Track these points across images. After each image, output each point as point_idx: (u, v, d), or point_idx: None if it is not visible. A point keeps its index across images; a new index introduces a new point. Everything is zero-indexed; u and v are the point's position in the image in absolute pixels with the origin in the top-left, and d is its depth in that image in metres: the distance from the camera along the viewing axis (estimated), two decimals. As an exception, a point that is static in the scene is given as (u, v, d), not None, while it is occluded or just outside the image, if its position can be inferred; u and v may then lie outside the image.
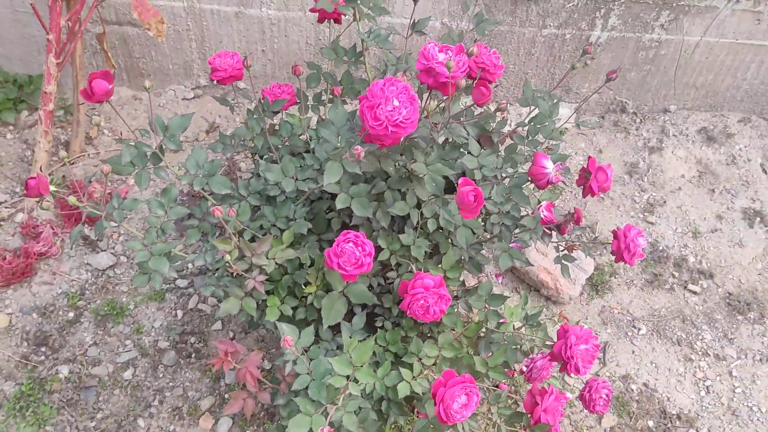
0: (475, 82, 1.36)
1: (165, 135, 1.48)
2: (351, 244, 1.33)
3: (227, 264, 1.41)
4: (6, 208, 2.36)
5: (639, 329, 2.26)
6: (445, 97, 1.33)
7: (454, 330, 1.53)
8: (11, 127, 2.63)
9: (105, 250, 2.23)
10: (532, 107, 1.60)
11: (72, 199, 1.27)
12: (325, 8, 1.66)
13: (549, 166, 1.41)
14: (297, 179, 1.52)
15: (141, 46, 2.67)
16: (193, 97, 2.83)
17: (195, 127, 2.73)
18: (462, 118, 1.42)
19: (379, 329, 1.55)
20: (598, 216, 2.57)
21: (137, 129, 1.44)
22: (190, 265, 2.21)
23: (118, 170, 1.47)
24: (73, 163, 2.52)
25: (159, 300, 2.11)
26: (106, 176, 1.29)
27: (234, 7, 2.54)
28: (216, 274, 1.52)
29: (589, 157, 1.54)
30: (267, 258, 1.41)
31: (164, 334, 2.03)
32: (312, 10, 1.82)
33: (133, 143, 1.43)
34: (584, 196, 1.56)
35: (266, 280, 1.46)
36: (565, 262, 1.64)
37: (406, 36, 1.63)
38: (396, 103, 1.21)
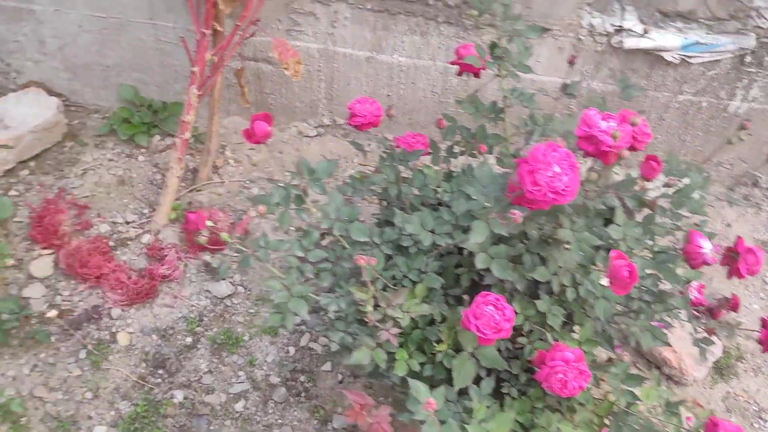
0: (646, 157, 1.33)
1: (310, 178, 1.51)
2: (491, 307, 1.30)
3: (363, 313, 1.40)
4: (134, 228, 2.46)
5: (766, 421, 2.10)
6: (604, 166, 1.29)
7: (583, 405, 1.46)
8: (143, 150, 2.76)
9: (224, 279, 2.28)
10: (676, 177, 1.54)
11: (224, 235, 1.31)
12: (474, 64, 1.66)
13: (706, 246, 1.35)
14: (434, 233, 1.50)
15: (272, 82, 2.77)
16: (315, 135, 2.89)
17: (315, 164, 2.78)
18: (613, 188, 1.37)
19: (504, 395, 1.50)
20: (724, 294, 2.43)
21: (287, 172, 1.47)
22: (302, 302, 2.23)
23: (256, 204, 1.51)
24: (199, 191, 2.61)
25: (272, 334, 2.14)
26: (262, 216, 1.32)
27: (367, 52, 2.60)
28: (347, 320, 1.52)
29: (738, 237, 1.46)
30: (402, 311, 1.40)
31: (276, 370, 2.05)
32: (453, 63, 1.83)
33: (282, 185, 1.46)
34: (729, 277, 1.48)
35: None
36: (704, 346, 1.55)
37: (556, 98, 1.61)
38: (557, 169, 1.18)
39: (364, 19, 2.49)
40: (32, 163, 2.65)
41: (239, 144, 2.81)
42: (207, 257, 2.35)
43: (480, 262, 1.36)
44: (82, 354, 2.04)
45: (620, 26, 2.33)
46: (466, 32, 2.44)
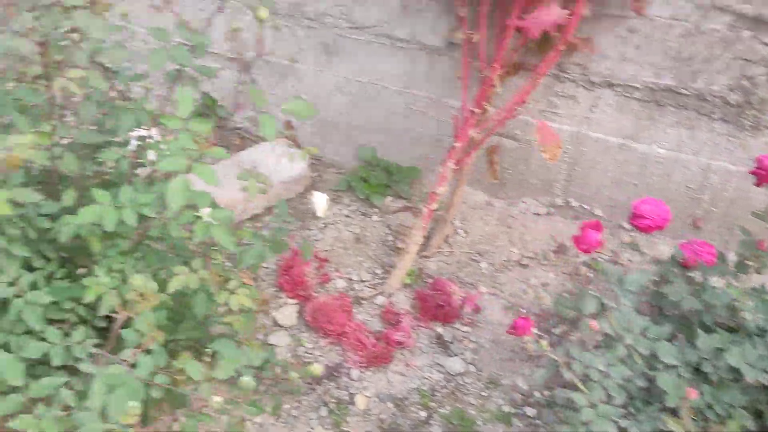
0: None
1: (620, 288, 1.44)
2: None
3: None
4: (368, 288, 2.50)
5: None
6: None
7: None
8: (377, 210, 2.83)
9: (456, 355, 2.25)
10: None
11: (543, 345, 1.26)
12: (800, 183, 1.54)
13: None
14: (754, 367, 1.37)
15: (512, 158, 2.75)
16: (545, 214, 2.83)
17: (544, 244, 2.71)
18: None
19: None
20: None
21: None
22: (536, 394, 2.15)
23: (560, 310, 1.46)
24: (428, 258, 2.62)
25: (506, 423, 2.07)
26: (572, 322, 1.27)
27: (621, 139, 2.51)
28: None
29: None
30: (721, 453, 1.28)
31: (511, 464, 1.97)
32: (753, 173, 1.72)
33: (594, 293, 1.40)
34: None
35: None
36: None
37: None
38: None
39: (628, 108, 2.42)
40: (276, 210, 2.80)
41: (468, 214, 2.81)
42: (439, 329, 2.34)
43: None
44: (323, 411, 2.07)
45: None
46: (741, 132, 2.29)
